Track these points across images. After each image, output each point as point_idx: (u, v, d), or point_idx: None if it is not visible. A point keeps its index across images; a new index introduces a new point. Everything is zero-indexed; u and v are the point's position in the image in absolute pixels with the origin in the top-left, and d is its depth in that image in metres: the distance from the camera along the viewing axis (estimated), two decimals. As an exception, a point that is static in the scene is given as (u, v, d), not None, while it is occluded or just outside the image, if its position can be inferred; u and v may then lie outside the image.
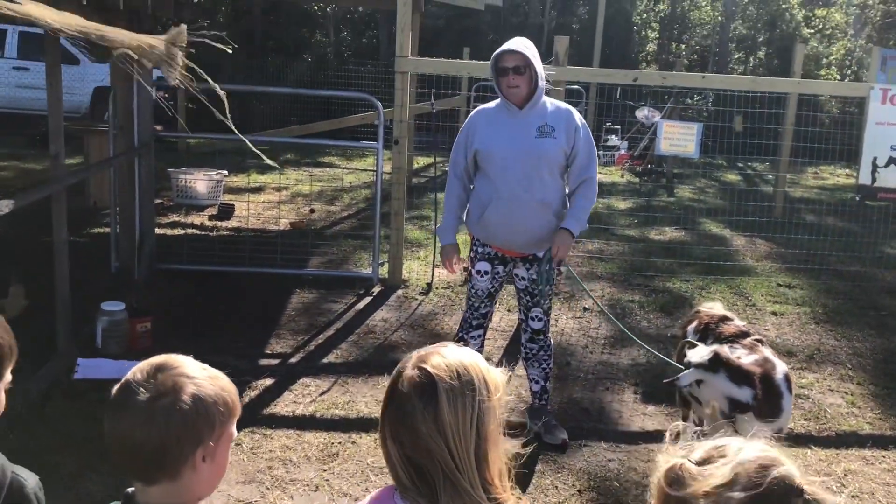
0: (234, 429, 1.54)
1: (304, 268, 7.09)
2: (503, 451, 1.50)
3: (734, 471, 1.24)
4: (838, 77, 23.29)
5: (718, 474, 1.24)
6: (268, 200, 9.71)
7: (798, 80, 8.96)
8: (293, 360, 5.16)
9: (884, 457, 4.15)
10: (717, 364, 3.30)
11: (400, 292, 6.58)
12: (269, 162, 3.93)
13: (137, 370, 1.51)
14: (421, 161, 13.44)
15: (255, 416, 4.30)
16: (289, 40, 19.24)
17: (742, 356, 3.47)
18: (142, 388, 1.45)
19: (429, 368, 1.48)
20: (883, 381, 5.19)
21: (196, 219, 8.69)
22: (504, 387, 1.52)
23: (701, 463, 1.28)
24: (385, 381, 4.65)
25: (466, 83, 12.88)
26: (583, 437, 4.27)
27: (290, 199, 10.06)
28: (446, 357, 1.51)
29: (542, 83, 3.86)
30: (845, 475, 3.94)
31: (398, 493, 1.49)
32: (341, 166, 13.53)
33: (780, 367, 3.45)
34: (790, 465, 1.26)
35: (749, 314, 6.38)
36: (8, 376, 1.65)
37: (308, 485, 3.70)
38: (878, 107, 6.28)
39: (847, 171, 14.85)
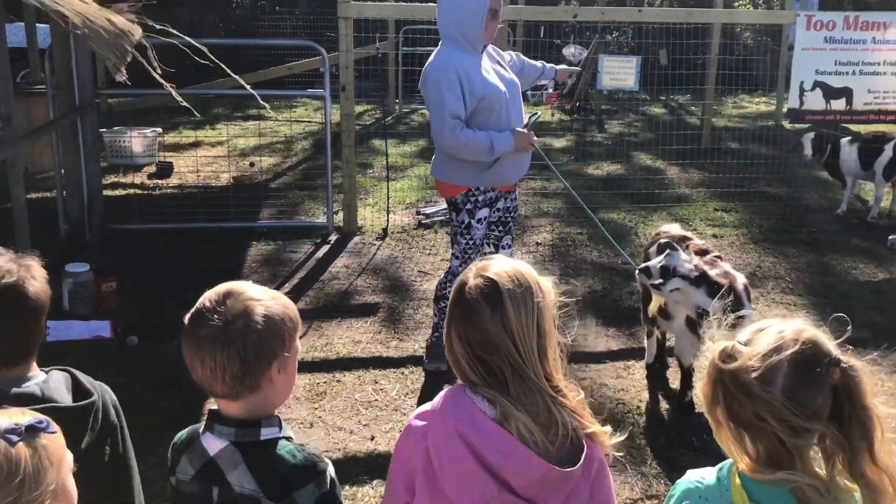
0: (298, 341, 1.67)
1: (257, 220, 7.09)
2: (557, 343, 1.67)
3: (775, 340, 1.43)
4: (750, 6, 23.91)
5: (763, 343, 1.43)
6: (205, 156, 9.57)
7: (729, 10, 9.25)
8: (263, 309, 5.22)
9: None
10: (700, 280, 3.55)
11: (357, 239, 6.67)
12: (196, 115, 3.95)
13: (206, 299, 1.61)
14: (359, 108, 13.34)
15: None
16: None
17: (706, 270, 3.73)
18: (216, 315, 1.56)
19: (491, 276, 1.63)
20: (820, 291, 5.60)
21: (136, 178, 8.52)
22: (554, 290, 1.68)
23: (747, 343, 1.47)
24: (358, 324, 4.79)
25: (393, 27, 12.79)
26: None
27: (227, 154, 9.92)
28: (503, 265, 1.67)
29: None
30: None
31: (468, 389, 1.64)
32: (273, 118, 13.34)
33: (741, 279, 3.72)
34: (820, 334, 1.46)
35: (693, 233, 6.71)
36: None
37: (303, 423, 3.84)
38: (803, 33, 6.60)
39: (765, 98, 15.42)
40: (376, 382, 4.24)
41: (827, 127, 7.36)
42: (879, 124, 7.58)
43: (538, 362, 1.61)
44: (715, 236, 6.82)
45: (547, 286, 1.68)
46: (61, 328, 4.62)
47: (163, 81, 4.06)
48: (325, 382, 4.23)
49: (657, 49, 11.66)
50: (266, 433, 1.63)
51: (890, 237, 6.60)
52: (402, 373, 4.36)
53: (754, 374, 1.41)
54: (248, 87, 4.25)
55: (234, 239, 6.52)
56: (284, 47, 11.90)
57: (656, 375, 4.33)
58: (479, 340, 1.61)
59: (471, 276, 1.67)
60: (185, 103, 3.76)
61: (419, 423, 1.67)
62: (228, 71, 3.06)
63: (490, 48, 4.11)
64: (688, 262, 3.60)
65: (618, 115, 14.31)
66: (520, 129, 3.93)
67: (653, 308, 4.09)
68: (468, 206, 4.06)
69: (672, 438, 3.77)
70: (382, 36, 8.00)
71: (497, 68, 4.02)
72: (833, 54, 6.71)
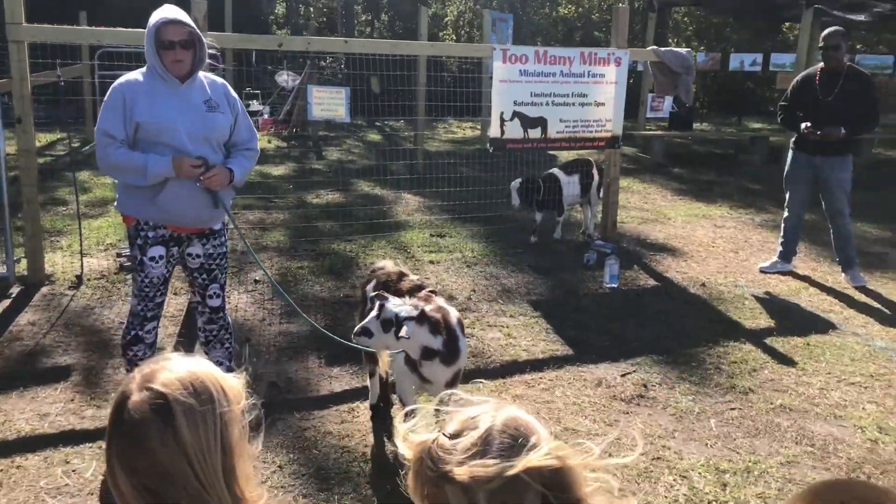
0: None
1: (-85, 275, 5.99)
2: (249, 456, 1.42)
3: (483, 431, 1.30)
4: (454, 38, 25.37)
5: (471, 435, 1.30)
6: None
7: (431, 42, 9.59)
8: (-80, 386, 4.36)
9: (541, 378, 4.72)
10: (422, 319, 3.47)
11: (45, 289, 5.87)
12: None
13: None
14: (43, 139, 12.01)
15: None
16: None
17: (419, 307, 3.69)
18: None
19: (159, 388, 1.33)
20: (529, 311, 5.88)
21: None
22: (243, 392, 1.43)
23: (454, 436, 1.33)
24: (45, 392, 4.16)
25: (87, 51, 11.71)
26: (274, 412, 4.23)
27: None
28: (175, 371, 1.37)
29: (206, 57, 3.68)
30: (514, 400, 4.40)
31: None
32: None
33: (454, 314, 3.72)
34: (529, 424, 1.35)
35: (411, 265, 6.78)
36: None
37: (-31, 528, 3.20)
38: (500, 66, 6.97)
39: (471, 124, 16.33)
40: (67, 462, 3.66)
41: (526, 154, 7.86)
42: (573, 151, 8.27)
43: (223, 487, 1.34)
44: (432, 262, 6.96)
45: (234, 389, 1.41)
46: None
47: None
48: (1, 471, 3.57)
49: (369, 78, 11.87)
50: None
51: (585, 254, 7.17)
52: (100, 447, 3.82)
53: (458, 469, 1.28)
54: None
55: None
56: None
57: (381, 416, 4.22)
58: (147, 469, 1.31)
59: (134, 387, 1.35)
60: None
61: None
62: None
63: (220, 86, 3.84)
64: (401, 304, 3.52)
65: (335, 140, 14.34)
66: (176, 156, 3.59)
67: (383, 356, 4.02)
68: (139, 240, 3.75)
69: (398, 484, 3.66)
70: (64, 62, 7.18)
71: (195, 104, 3.68)
72: (528, 86, 7.15)
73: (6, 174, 5.96)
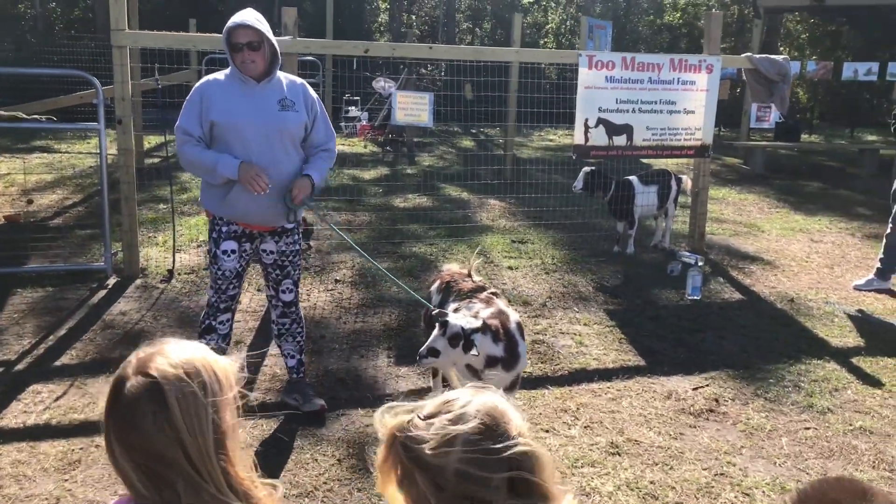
0: None
1: (25, 264, 6.43)
2: (244, 441, 1.47)
3: (455, 416, 1.32)
4: (554, 45, 25.23)
5: (442, 417, 1.32)
6: (-26, 193, 8.65)
7: (517, 48, 9.58)
8: (20, 366, 4.68)
9: (608, 388, 4.64)
10: (485, 329, 3.47)
11: (139, 282, 6.19)
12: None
13: None
14: (153, 140, 12.66)
15: (-22, 434, 3.86)
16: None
17: (479, 309, 3.69)
18: None
19: (153, 373, 1.38)
20: (604, 320, 5.79)
21: None
22: (236, 375, 1.48)
23: (427, 417, 1.35)
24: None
25: (196, 57, 12.29)
26: (340, 406, 4.33)
27: (2, 191, 9.02)
28: (170, 356, 1.41)
29: (280, 57, 3.85)
30: (578, 409, 4.35)
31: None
32: (62, 150, 12.37)
33: (513, 317, 3.71)
34: (506, 410, 1.36)
35: (489, 270, 6.80)
36: None
37: (47, 498, 3.40)
38: (585, 72, 6.90)
39: (567, 131, 16.20)
40: (141, 444, 3.86)
41: (615, 161, 7.74)
42: (657, 159, 8.09)
43: (217, 469, 1.38)
44: (510, 268, 6.95)
45: (226, 373, 1.45)
46: None
47: None
48: (80, 449, 3.79)
49: (464, 84, 11.96)
50: None
51: (669, 265, 7.00)
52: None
53: (428, 448, 1.30)
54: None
55: (-4, 286, 5.87)
56: (63, 77, 11.06)
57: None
58: (141, 450, 1.36)
59: (130, 371, 1.40)
60: None
61: None
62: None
63: (299, 86, 3.97)
64: (462, 317, 3.50)
65: (428, 147, 14.51)
66: (246, 163, 3.73)
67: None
68: (213, 234, 3.96)
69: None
70: (162, 67, 7.57)
71: (268, 103, 3.82)
72: (614, 93, 7.05)
73: (107, 174, 6.34)
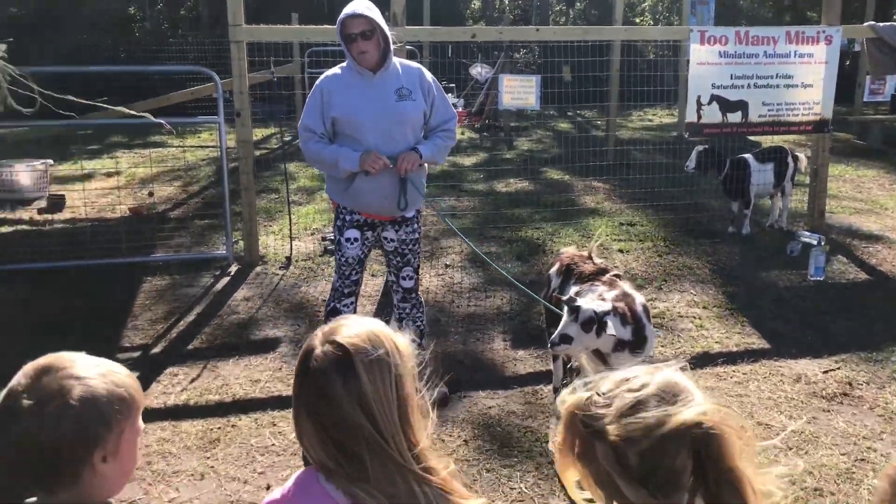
0: (139, 423, 1.47)
1: (152, 254, 6.75)
2: (423, 410, 1.51)
3: (635, 395, 1.32)
4: (651, 22, 24.59)
5: (624, 397, 1.32)
6: (101, 188, 9.12)
7: (625, 27, 9.39)
8: (156, 350, 4.94)
9: (734, 371, 4.53)
10: (614, 312, 3.42)
11: (258, 269, 6.42)
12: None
13: (22, 375, 1.41)
14: (259, 133, 13.05)
15: (124, 414, 4.09)
16: (98, 15, 17.93)
17: (603, 292, 3.65)
18: (26, 395, 1.36)
19: (341, 341, 1.44)
20: (724, 302, 5.64)
21: (24, 214, 8.04)
22: (411, 349, 1.52)
23: (607, 395, 1.35)
24: (257, 360, 4.54)
25: (298, 49, 12.55)
26: (461, 388, 4.38)
27: (125, 185, 9.49)
28: (354, 327, 1.48)
29: (392, 46, 3.86)
30: (704, 393, 4.25)
31: (321, 475, 1.45)
32: (175, 145, 12.90)
33: (639, 300, 3.65)
34: (686, 388, 1.35)
35: (598, 253, 6.71)
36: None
37: (192, 474, 3.58)
38: (697, 48, 6.70)
39: (668, 110, 15.80)
40: (274, 425, 4.01)
41: (724, 139, 7.51)
42: (775, 136, 7.79)
43: (401, 437, 1.43)
44: (621, 251, 6.85)
45: (404, 346, 1.50)
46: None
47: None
48: (218, 428, 3.97)
49: (562, 66, 11.81)
50: None
51: (789, 245, 6.75)
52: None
53: (607, 421, 1.30)
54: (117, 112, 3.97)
55: (127, 276, 6.18)
56: (181, 73, 11.51)
57: (564, 399, 4.23)
58: (330, 418, 1.42)
59: (317, 342, 1.47)
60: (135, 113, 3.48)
61: None
62: (86, 101, 2.83)
63: (415, 71, 3.99)
64: (592, 301, 3.45)
65: (526, 131, 14.41)
66: (365, 152, 3.77)
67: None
68: (338, 222, 4.08)
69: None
70: (278, 60, 7.78)
71: (386, 94, 3.87)
72: (728, 68, 6.82)
73: (227, 165, 6.58)
